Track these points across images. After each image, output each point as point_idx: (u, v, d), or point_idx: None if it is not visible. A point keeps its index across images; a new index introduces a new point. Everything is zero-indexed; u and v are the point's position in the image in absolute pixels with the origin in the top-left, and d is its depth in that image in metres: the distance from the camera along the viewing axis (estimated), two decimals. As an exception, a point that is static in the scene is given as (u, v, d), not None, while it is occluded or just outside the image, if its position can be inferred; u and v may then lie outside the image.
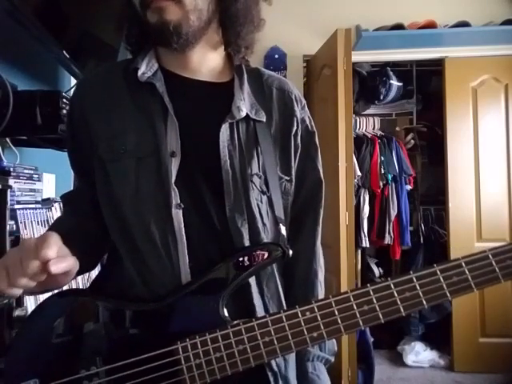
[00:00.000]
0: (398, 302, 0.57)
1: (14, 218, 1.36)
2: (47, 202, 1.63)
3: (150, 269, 0.67)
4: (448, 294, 0.57)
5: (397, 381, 2.67)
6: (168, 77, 0.73)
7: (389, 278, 0.59)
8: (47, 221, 1.55)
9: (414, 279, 0.58)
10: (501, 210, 2.78)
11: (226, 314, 0.63)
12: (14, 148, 1.51)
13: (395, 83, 2.99)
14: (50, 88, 1.85)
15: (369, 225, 2.94)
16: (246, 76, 0.77)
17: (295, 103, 0.79)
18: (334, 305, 0.58)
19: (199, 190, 0.68)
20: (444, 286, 0.57)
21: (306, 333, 0.57)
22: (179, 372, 0.59)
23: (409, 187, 3.04)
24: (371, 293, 0.58)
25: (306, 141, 0.80)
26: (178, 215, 0.66)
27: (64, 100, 1.36)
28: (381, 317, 0.57)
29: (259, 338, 0.58)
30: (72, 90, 1.83)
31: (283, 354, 0.58)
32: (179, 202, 0.66)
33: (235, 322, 0.60)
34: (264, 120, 0.73)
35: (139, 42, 0.76)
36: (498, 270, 0.57)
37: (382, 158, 2.94)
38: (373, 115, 3.19)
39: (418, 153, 3.17)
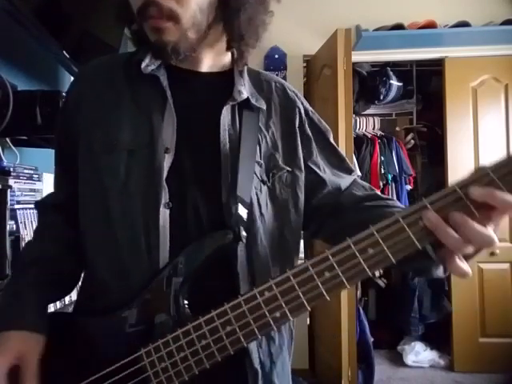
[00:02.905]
0: (362, 263, 0.51)
1: (14, 217, 1.36)
2: (47, 202, 1.63)
3: (128, 269, 0.64)
4: (417, 243, 0.51)
5: (397, 381, 2.67)
6: (170, 71, 0.72)
7: (347, 238, 0.52)
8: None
9: (375, 233, 0.51)
10: (501, 210, 2.78)
11: (187, 307, 0.60)
12: (14, 148, 1.51)
13: (395, 83, 2.99)
14: (50, 88, 1.85)
15: (369, 225, 2.93)
16: (245, 68, 0.77)
17: (295, 96, 0.79)
18: (292, 278, 0.53)
19: (190, 189, 0.66)
20: (410, 234, 0.51)
21: (267, 315, 0.54)
22: (147, 379, 0.57)
23: (409, 187, 3.04)
24: (330, 257, 0.52)
25: (318, 129, 0.79)
26: (164, 214, 0.64)
27: (64, 100, 1.36)
28: (345, 281, 0.52)
29: (220, 329, 0.55)
30: (72, 90, 1.83)
31: (248, 341, 0.55)
32: (168, 200, 0.64)
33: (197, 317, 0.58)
34: (264, 108, 0.73)
35: (141, 38, 0.74)
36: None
37: (382, 158, 2.94)
38: (373, 115, 3.19)
39: (418, 153, 3.17)
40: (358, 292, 2.93)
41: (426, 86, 3.16)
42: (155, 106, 0.68)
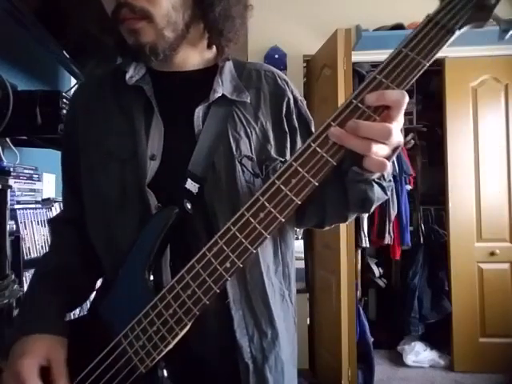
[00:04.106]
0: (288, 193, 0.55)
1: (14, 217, 1.36)
2: (47, 202, 1.64)
3: None
4: (330, 159, 0.54)
5: (397, 381, 2.67)
6: (156, 77, 0.73)
7: (271, 175, 0.57)
8: (47, 221, 1.55)
9: (294, 163, 0.56)
10: (501, 210, 2.78)
11: (152, 284, 0.62)
12: (14, 148, 1.52)
13: (395, 83, 2.98)
14: (50, 88, 1.85)
15: (369, 225, 2.94)
16: (229, 61, 0.76)
17: (286, 85, 0.79)
18: (232, 227, 0.57)
19: (177, 188, 0.67)
20: (323, 154, 0.55)
21: (219, 267, 0.57)
22: (129, 360, 0.60)
23: (409, 187, 3.04)
24: (260, 198, 0.56)
25: (304, 121, 0.79)
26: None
27: (64, 100, 1.36)
28: (278, 216, 0.56)
29: (182, 293, 0.58)
30: (72, 90, 1.83)
31: (208, 298, 0.57)
32: (156, 203, 0.66)
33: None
34: (247, 100, 0.73)
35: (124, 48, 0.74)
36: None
37: (382, 158, 2.93)
38: (373, 115, 3.18)
39: (418, 153, 3.17)
40: (358, 292, 2.93)
41: (426, 86, 3.15)
42: (139, 115, 0.69)
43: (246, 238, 0.56)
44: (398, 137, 0.53)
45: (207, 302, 0.58)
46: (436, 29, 0.54)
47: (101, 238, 0.72)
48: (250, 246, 0.56)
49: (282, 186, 0.56)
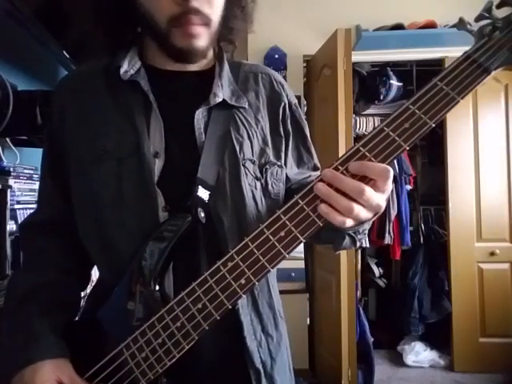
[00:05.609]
0: (311, 214, 0.55)
1: (13, 217, 1.36)
2: (47, 202, 1.63)
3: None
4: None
5: (397, 381, 2.67)
6: (152, 73, 0.71)
7: (294, 195, 0.56)
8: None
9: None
10: (501, 210, 2.78)
11: (159, 294, 0.61)
12: (14, 148, 1.52)
13: (395, 83, 2.99)
14: (49, 88, 1.85)
15: (369, 225, 2.93)
16: (226, 64, 0.76)
17: (281, 89, 0.79)
18: (250, 244, 0.56)
19: (184, 189, 0.65)
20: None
21: (233, 283, 0.56)
22: (130, 371, 0.58)
23: (409, 187, 3.04)
24: (282, 216, 0.55)
25: (299, 125, 0.79)
26: (165, 218, 0.64)
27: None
28: (299, 236, 0.55)
29: (192, 307, 0.56)
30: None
31: (219, 313, 0.56)
32: (164, 204, 0.64)
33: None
34: (246, 106, 0.72)
35: (120, 41, 0.74)
36: None
37: (382, 158, 2.93)
38: (373, 115, 3.19)
39: (417, 153, 3.17)
40: (358, 292, 2.93)
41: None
42: (139, 112, 0.67)
43: (264, 255, 0.55)
44: (376, 200, 0.53)
45: (218, 318, 0.56)
46: (473, 67, 0.55)
47: (94, 239, 0.69)
48: (267, 265, 0.55)
49: (305, 207, 0.55)
